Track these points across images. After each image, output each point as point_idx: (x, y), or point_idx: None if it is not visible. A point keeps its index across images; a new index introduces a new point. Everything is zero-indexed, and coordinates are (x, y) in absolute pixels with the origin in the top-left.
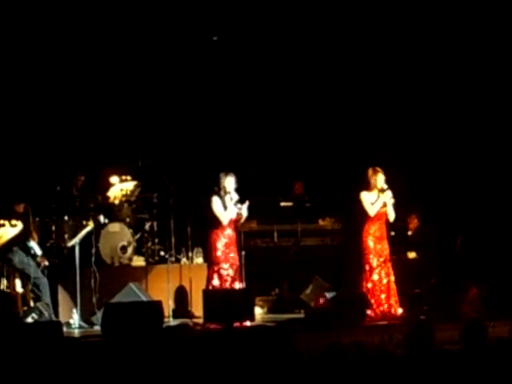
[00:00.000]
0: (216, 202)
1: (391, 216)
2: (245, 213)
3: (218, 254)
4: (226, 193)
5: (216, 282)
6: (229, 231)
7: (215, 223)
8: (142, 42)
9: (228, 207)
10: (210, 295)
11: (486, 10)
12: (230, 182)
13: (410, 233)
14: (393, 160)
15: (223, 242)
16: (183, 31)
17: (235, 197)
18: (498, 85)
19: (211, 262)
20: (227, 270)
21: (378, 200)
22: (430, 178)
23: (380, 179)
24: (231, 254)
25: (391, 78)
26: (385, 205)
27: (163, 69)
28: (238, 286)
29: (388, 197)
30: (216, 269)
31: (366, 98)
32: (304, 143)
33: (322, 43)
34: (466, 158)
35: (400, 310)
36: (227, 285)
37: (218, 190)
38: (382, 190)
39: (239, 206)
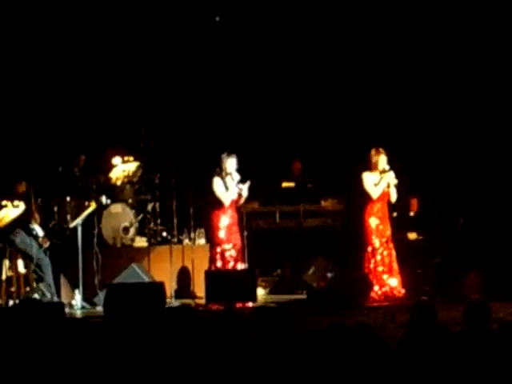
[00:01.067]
0: (217, 182)
1: (393, 197)
2: (245, 193)
3: (221, 234)
4: (227, 174)
5: (219, 262)
6: (231, 212)
7: (217, 204)
8: (144, 23)
9: (229, 188)
10: (212, 276)
11: (485, 10)
12: (231, 163)
13: (411, 213)
14: (395, 141)
15: (225, 222)
16: (185, 11)
17: (237, 177)
18: (498, 75)
19: (214, 242)
20: (230, 251)
21: (380, 181)
22: (433, 160)
23: (382, 160)
24: (234, 235)
25: (393, 57)
26: (388, 186)
27: (165, 49)
28: (240, 266)
29: (391, 177)
30: (219, 250)
31: (368, 76)
32: (306, 123)
33: (321, 25)
34: (470, 140)
35: (403, 291)
36: (230, 266)
37: (219, 171)
38: (384, 171)
39: (240, 186)
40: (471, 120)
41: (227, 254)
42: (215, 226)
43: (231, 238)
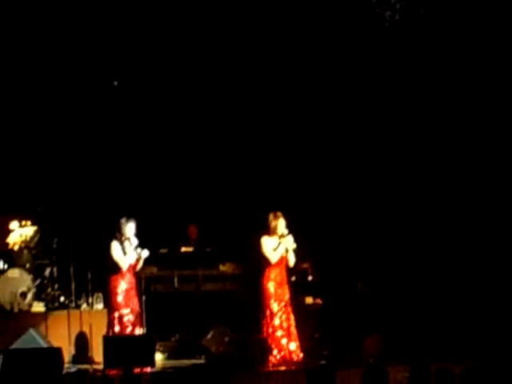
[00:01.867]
0: (115, 247)
1: (291, 261)
2: (144, 256)
3: (119, 299)
4: (125, 238)
5: (117, 327)
6: (129, 277)
7: (115, 269)
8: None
9: (127, 252)
10: (110, 341)
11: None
12: (130, 228)
13: (310, 278)
14: (292, 205)
15: (123, 287)
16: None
17: (135, 241)
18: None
19: (112, 307)
20: (128, 316)
21: (279, 246)
22: (330, 223)
23: (281, 224)
24: (131, 300)
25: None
26: (286, 250)
27: (56, 116)
28: (138, 331)
29: (289, 242)
30: (117, 314)
31: (267, 140)
32: (203, 187)
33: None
34: (367, 205)
35: (301, 355)
36: (128, 330)
37: (118, 235)
38: (282, 236)
39: (139, 250)
40: (365, 183)
41: (125, 318)
42: (113, 291)
43: (129, 303)
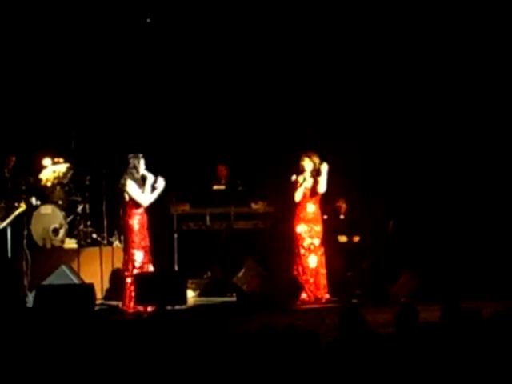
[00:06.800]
0: (131, 185)
1: (321, 188)
2: (161, 185)
3: (134, 237)
4: (140, 175)
5: (130, 265)
6: (142, 213)
7: (130, 206)
8: (69, 23)
9: (146, 189)
10: (141, 278)
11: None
12: (142, 164)
13: (342, 217)
14: (325, 144)
15: (138, 224)
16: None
17: (151, 177)
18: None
19: (127, 244)
20: (141, 253)
21: (301, 184)
22: (363, 162)
23: (307, 164)
24: (145, 237)
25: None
26: (312, 188)
27: (92, 50)
28: (150, 268)
29: (307, 178)
30: (132, 251)
31: (294, 80)
32: (232, 126)
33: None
34: (399, 142)
35: (327, 296)
36: (139, 268)
37: (132, 172)
38: (303, 172)
39: (157, 184)
40: (401, 123)
41: (139, 256)
42: (129, 228)
43: (143, 240)
